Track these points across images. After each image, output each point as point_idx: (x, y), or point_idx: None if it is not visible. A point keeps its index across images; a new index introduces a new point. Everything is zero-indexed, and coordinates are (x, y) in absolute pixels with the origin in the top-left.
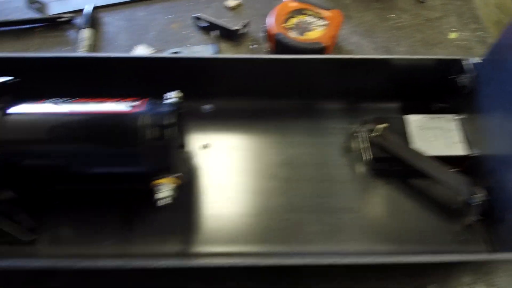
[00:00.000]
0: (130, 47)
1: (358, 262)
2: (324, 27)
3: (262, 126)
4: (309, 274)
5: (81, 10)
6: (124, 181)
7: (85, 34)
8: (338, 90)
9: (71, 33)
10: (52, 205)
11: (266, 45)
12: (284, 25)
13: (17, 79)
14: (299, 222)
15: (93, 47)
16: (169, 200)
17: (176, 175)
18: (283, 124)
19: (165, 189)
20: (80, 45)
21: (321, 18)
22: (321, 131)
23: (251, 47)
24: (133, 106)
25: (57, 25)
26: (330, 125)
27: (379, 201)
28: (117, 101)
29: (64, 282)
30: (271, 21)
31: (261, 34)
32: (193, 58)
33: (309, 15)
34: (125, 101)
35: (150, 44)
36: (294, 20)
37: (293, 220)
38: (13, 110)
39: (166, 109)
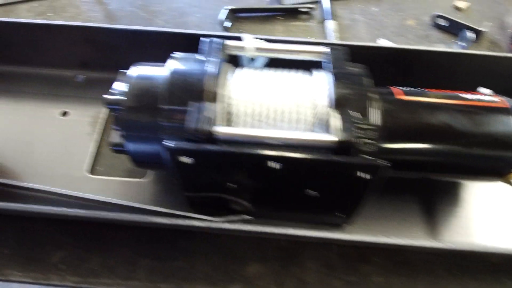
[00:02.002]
0: (372, 41)
1: None
2: None
3: None
4: None
5: (315, 2)
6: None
7: (332, 26)
8: None
9: (311, 24)
10: None
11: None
12: None
13: None
14: None
15: (340, 39)
16: None
17: None
18: None
19: None
20: (330, 35)
21: None
22: None
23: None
24: (495, 101)
25: (296, 14)
26: None
27: None
28: (465, 93)
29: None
30: None
31: (498, 36)
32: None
33: None
34: (474, 94)
35: (389, 39)
36: None
37: None
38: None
39: None
